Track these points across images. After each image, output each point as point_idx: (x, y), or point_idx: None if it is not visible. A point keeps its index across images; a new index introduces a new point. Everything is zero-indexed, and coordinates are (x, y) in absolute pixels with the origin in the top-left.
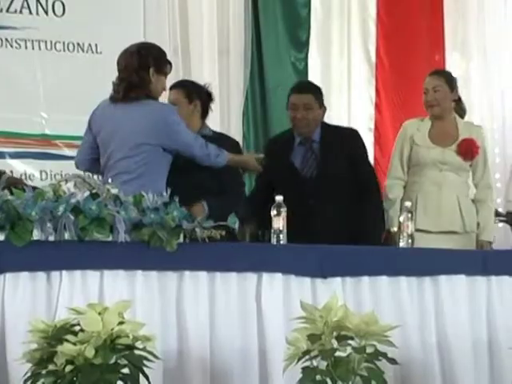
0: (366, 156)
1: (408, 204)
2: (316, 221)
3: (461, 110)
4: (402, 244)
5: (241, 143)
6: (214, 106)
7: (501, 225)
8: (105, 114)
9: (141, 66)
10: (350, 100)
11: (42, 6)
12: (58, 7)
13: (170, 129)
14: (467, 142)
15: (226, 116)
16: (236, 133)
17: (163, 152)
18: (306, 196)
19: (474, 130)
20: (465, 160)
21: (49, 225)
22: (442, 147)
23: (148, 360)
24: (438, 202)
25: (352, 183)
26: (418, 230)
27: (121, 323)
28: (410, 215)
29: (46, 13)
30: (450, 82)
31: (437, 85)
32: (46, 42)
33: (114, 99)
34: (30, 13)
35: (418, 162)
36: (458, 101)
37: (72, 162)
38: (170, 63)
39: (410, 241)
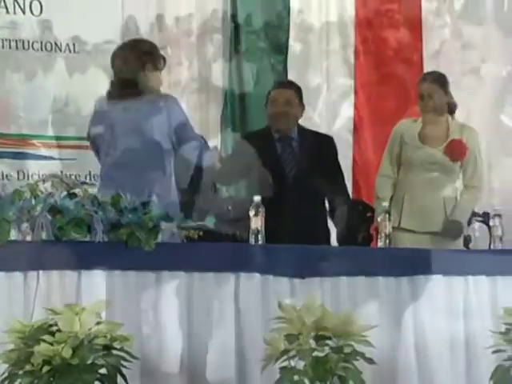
0: (339, 164)
1: (385, 204)
2: (292, 218)
3: (451, 105)
4: (379, 244)
5: (219, 146)
6: (194, 109)
7: (477, 225)
8: (103, 112)
9: (136, 63)
10: (329, 101)
11: (19, 5)
12: (36, 6)
13: (172, 113)
14: (455, 143)
15: (205, 119)
16: (214, 136)
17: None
18: (284, 192)
19: (466, 131)
20: (452, 160)
21: (26, 225)
22: (431, 147)
23: (125, 360)
24: (423, 202)
25: (323, 187)
26: (403, 230)
27: (98, 323)
28: (387, 215)
29: (24, 12)
30: (444, 84)
31: (431, 89)
32: (23, 41)
33: (111, 97)
34: (7, 12)
35: (407, 162)
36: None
37: (49, 162)
38: (164, 58)
39: (387, 241)
